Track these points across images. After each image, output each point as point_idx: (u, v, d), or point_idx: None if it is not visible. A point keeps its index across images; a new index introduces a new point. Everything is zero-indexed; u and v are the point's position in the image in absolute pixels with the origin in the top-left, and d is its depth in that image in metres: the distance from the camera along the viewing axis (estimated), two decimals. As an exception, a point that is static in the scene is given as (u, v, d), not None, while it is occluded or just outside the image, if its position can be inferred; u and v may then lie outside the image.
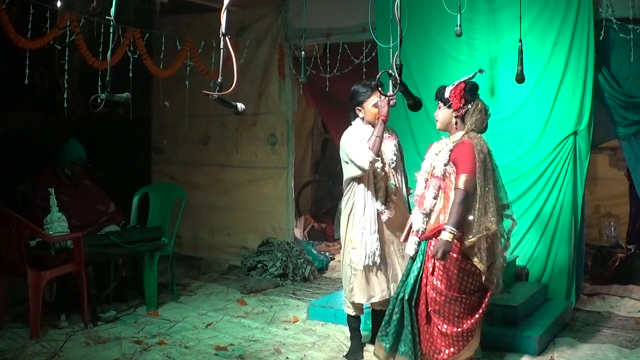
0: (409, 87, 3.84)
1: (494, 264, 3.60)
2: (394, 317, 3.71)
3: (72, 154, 5.30)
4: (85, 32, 5.24)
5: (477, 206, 3.46)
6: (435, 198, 3.61)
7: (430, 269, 3.60)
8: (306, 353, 4.29)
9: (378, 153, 3.90)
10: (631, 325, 4.76)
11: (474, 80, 3.65)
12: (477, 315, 3.60)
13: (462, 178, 3.47)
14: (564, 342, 4.40)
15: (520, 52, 4.25)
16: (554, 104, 5.00)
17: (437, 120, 3.74)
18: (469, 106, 3.59)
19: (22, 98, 7.37)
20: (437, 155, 3.68)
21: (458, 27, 3.69)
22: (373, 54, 5.84)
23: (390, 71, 3.53)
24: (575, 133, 4.95)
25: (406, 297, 3.67)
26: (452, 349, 3.59)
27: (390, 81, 3.76)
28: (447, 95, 3.65)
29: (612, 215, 7.12)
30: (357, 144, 3.91)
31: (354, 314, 4.17)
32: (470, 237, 3.46)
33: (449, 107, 3.63)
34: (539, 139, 5.07)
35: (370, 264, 3.97)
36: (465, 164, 3.48)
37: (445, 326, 3.59)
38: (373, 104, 3.99)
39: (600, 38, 4.79)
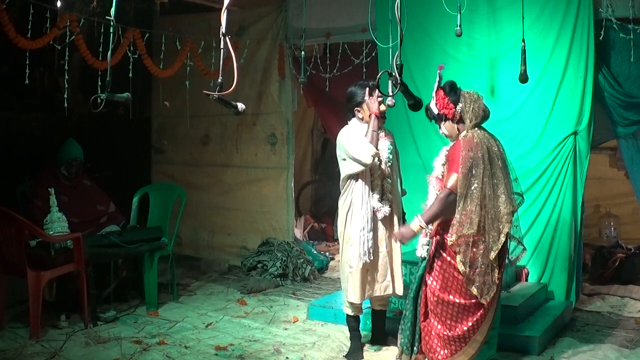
0: (409, 87, 3.84)
1: (477, 268, 3.46)
2: (405, 315, 3.78)
3: (68, 154, 5.31)
4: (85, 32, 5.24)
5: (459, 206, 3.43)
6: None
7: (429, 268, 3.62)
8: (306, 353, 4.30)
9: (377, 146, 3.94)
10: (631, 325, 4.76)
11: (442, 77, 3.62)
12: (470, 323, 3.53)
13: (449, 177, 3.49)
14: (564, 342, 4.40)
15: (524, 52, 4.25)
16: (554, 104, 5.00)
17: (446, 136, 3.71)
18: (460, 105, 3.56)
19: (22, 98, 7.37)
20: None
21: (458, 27, 3.68)
22: (373, 54, 5.84)
23: (391, 71, 3.53)
24: (575, 133, 4.95)
25: (412, 295, 3.74)
26: (445, 351, 3.59)
27: (391, 81, 3.76)
28: (436, 111, 3.63)
29: (612, 215, 7.11)
30: (356, 140, 3.94)
31: (353, 314, 4.17)
32: (452, 236, 3.45)
33: (446, 119, 3.61)
34: (539, 139, 5.07)
35: (367, 261, 3.98)
36: (453, 164, 3.49)
37: (439, 327, 3.60)
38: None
39: (600, 38, 4.80)
